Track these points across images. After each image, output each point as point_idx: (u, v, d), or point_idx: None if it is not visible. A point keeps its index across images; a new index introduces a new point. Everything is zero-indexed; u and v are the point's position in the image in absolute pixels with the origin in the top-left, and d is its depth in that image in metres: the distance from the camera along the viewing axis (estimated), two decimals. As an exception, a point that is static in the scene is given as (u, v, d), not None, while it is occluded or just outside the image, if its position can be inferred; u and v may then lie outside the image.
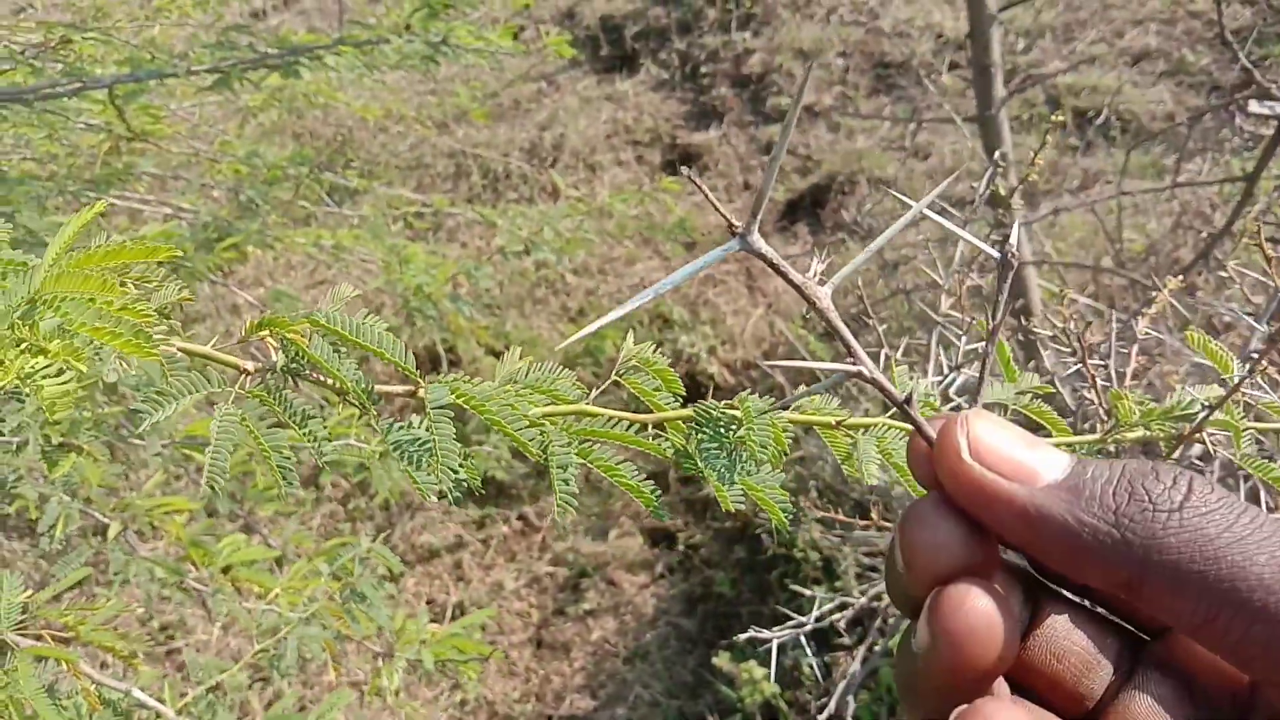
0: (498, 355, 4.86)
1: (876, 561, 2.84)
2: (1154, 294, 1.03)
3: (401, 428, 0.68)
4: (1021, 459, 0.40)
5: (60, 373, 0.55)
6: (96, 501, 1.58)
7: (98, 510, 1.58)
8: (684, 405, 0.70)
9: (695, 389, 4.30)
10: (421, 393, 0.68)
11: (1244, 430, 0.70)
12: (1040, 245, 3.45)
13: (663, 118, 5.81)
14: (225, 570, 1.60)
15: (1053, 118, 1.36)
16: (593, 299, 4.92)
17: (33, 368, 0.54)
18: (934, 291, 3.56)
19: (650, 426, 0.70)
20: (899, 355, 1.09)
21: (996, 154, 1.21)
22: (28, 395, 0.55)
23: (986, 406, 0.81)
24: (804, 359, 3.51)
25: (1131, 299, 3.11)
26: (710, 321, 4.51)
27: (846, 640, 2.32)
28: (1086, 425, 0.91)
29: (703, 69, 5.95)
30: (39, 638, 1.24)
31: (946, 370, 1.06)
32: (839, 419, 0.69)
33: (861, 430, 0.67)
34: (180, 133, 4.07)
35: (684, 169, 0.48)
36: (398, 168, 5.94)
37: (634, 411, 0.72)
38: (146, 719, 1.25)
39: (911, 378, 0.74)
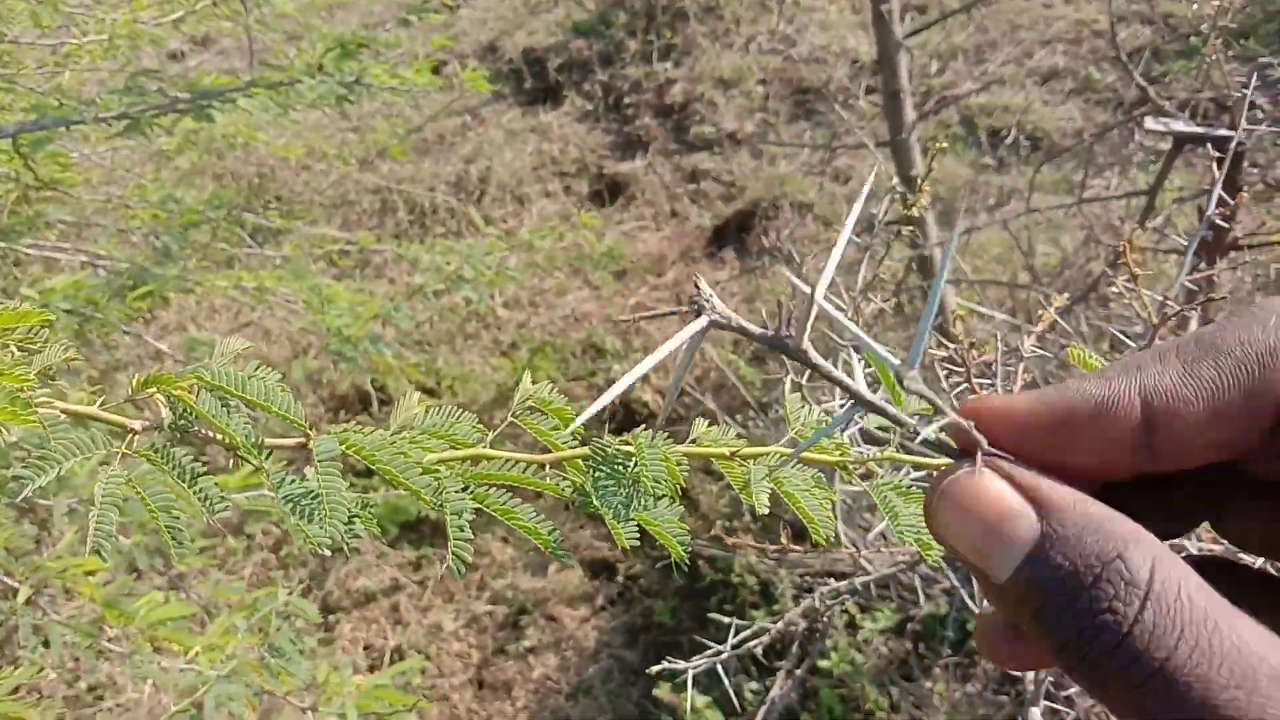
0: (429, 392, 4.82)
1: (812, 581, 2.86)
2: (1054, 309, 1.06)
3: (293, 481, 0.67)
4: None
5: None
6: (4, 565, 1.53)
7: (6, 574, 1.53)
8: (583, 445, 0.70)
9: (630, 418, 4.31)
10: (311, 444, 0.67)
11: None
12: (957, 263, 3.53)
13: (588, 148, 5.84)
14: (145, 629, 1.56)
15: (938, 144, 1.40)
16: (524, 332, 4.91)
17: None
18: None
19: (549, 466, 0.70)
20: (805, 380, 1.11)
21: (894, 180, 1.24)
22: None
23: (866, 436, 0.83)
24: (734, 382, 3.54)
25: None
26: (642, 349, 4.52)
27: (784, 664, 2.33)
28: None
29: (626, 99, 6.00)
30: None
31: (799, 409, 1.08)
32: (734, 449, 0.70)
33: (754, 460, 0.68)
34: (93, 180, 3.99)
35: (697, 280, 0.46)
36: (322, 205, 5.89)
37: (539, 451, 0.73)
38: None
39: (804, 405, 0.75)
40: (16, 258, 3.43)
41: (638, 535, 0.65)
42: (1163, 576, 0.31)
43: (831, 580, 2.69)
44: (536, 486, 0.69)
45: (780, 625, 1.24)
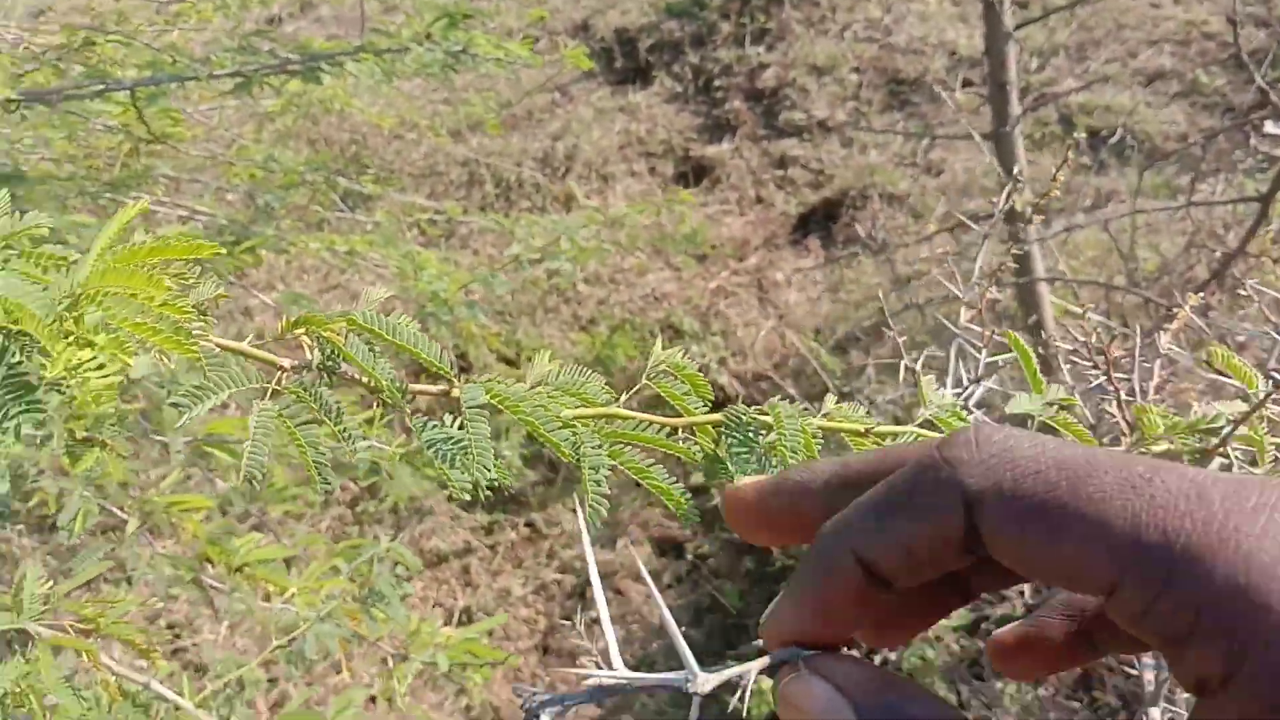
0: (509, 362, 4.88)
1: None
2: (1171, 311, 1.03)
3: (435, 426, 0.68)
4: None
5: (102, 366, 0.56)
6: (114, 497, 1.59)
7: (115, 506, 1.59)
8: (712, 411, 0.71)
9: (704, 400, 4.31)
10: (456, 392, 0.69)
11: (1268, 446, 0.70)
12: (1054, 262, 3.46)
13: (676, 130, 5.83)
14: (239, 569, 1.61)
15: (1071, 137, 1.37)
16: (604, 308, 4.94)
17: (79, 360, 0.56)
18: (951, 304, 3.56)
19: (680, 430, 0.71)
20: (919, 366, 1.10)
21: (1016, 169, 1.22)
22: (69, 387, 0.56)
23: (1013, 419, 0.82)
24: (815, 369, 3.52)
25: (1144, 317, 3.12)
26: (721, 333, 4.51)
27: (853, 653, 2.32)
28: (1107, 439, 0.92)
29: (716, 82, 5.97)
30: (60, 629, 1.25)
31: (966, 383, 1.07)
32: (868, 426, 0.70)
33: (891, 438, 0.68)
34: (197, 136, 4.10)
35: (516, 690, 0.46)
36: (411, 175, 5.97)
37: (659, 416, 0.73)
38: (164, 712, 1.26)
39: (938, 389, 0.74)
40: (119, 209, 3.54)
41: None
42: None
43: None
44: (668, 449, 0.69)
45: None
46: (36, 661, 1.18)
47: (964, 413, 0.73)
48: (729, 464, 0.67)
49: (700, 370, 0.73)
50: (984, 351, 1.02)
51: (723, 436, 0.68)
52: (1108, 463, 0.34)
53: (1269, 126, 2.53)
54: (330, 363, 0.70)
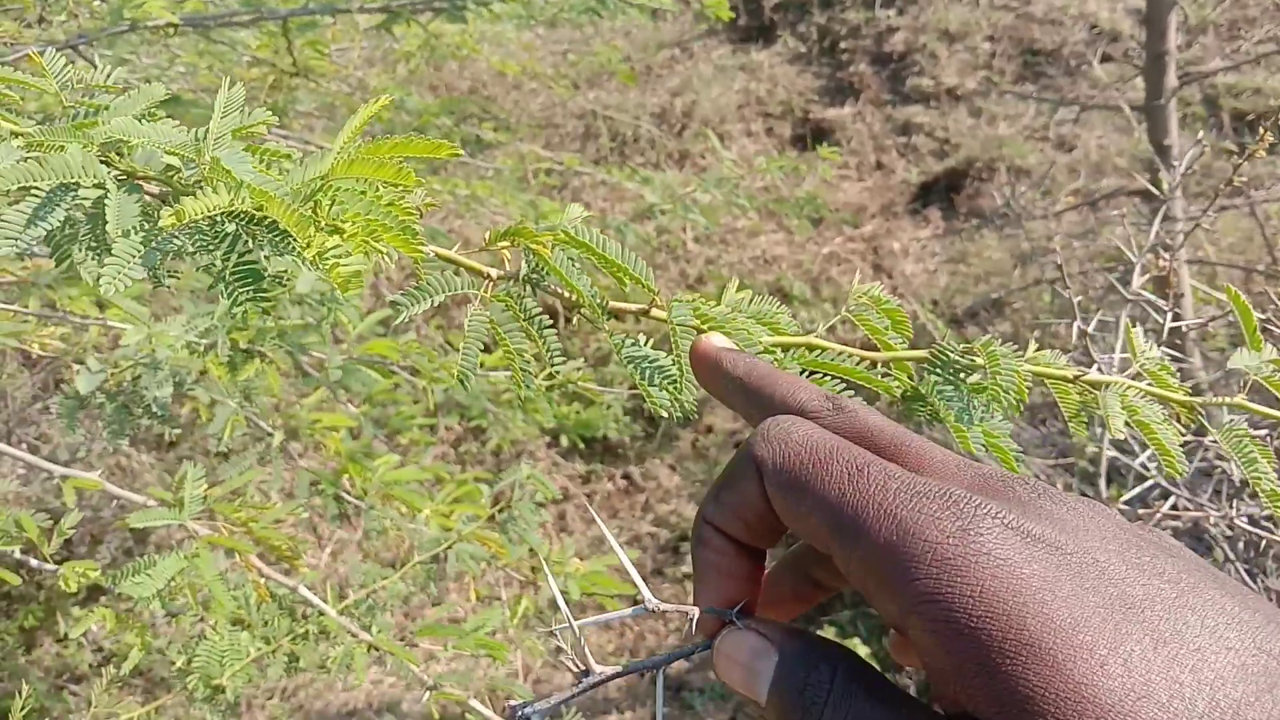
0: (615, 316, 4.89)
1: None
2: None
3: (634, 343, 0.69)
4: None
5: (348, 255, 0.58)
6: (262, 411, 1.65)
7: (263, 420, 1.65)
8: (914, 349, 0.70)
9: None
10: (658, 312, 0.69)
11: None
12: (1194, 246, 3.32)
13: (796, 91, 5.74)
14: (381, 487, 1.66)
15: (1263, 130, 1.29)
16: (712, 268, 4.92)
17: (328, 247, 0.57)
18: (1078, 280, 3.46)
19: (879, 365, 0.70)
20: (1092, 329, 1.07)
21: (1167, 144, 1.17)
22: (321, 271, 0.58)
23: (1231, 375, 0.79)
24: (931, 343, 3.45)
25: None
26: (831, 300, 4.46)
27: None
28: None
29: (842, 44, 5.85)
30: (215, 529, 1.31)
31: (1145, 344, 1.04)
32: (1076, 374, 0.68)
33: (1105, 387, 0.66)
34: (333, 74, 4.18)
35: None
36: (528, 125, 6.01)
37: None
38: (309, 616, 1.31)
39: (1149, 343, 0.72)
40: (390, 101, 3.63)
41: (980, 443, 0.64)
42: (837, 680, 0.43)
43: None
44: (868, 382, 0.69)
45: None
46: (195, 558, 1.23)
47: (1172, 368, 0.71)
48: (934, 402, 0.66)
49: (808, 334, 0.72)
50: (1168, 315, 0.99)
51: (926, 374, 0.67)
52: (847, 454, 0.44)
53: None
54: (536, 275, 0.71)
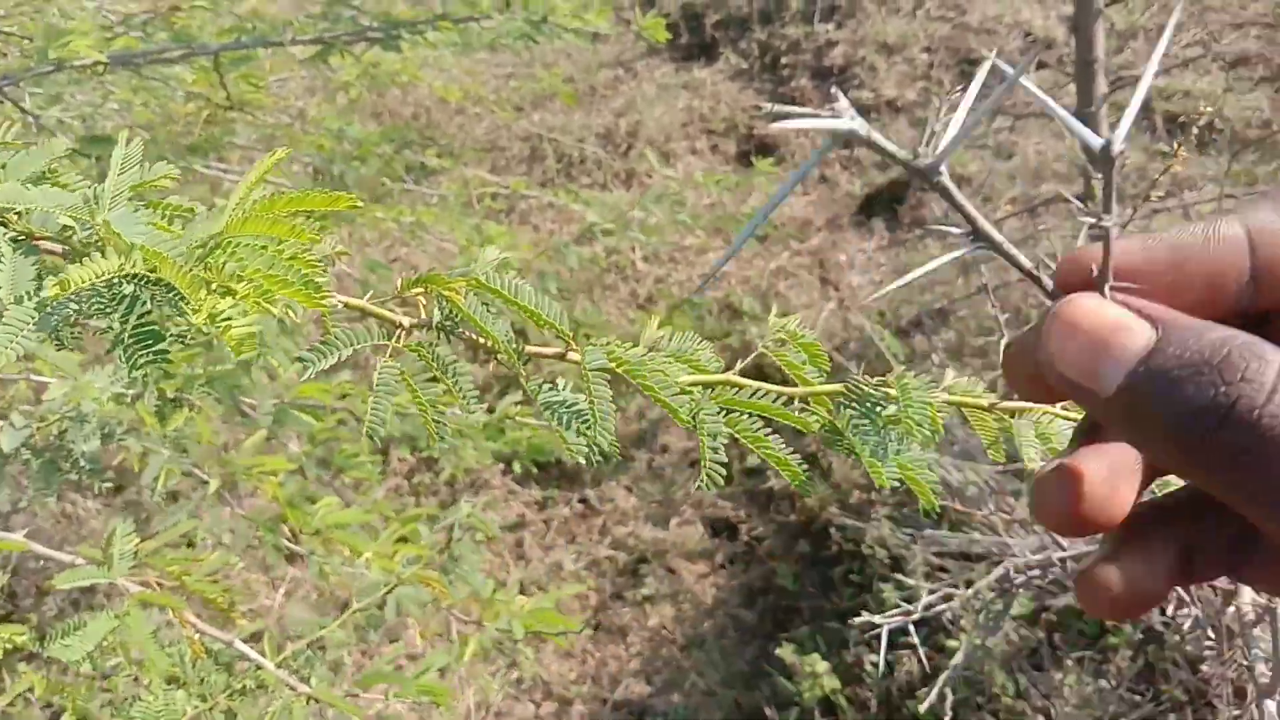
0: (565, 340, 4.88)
1: (945, 561, 2.81)
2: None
3: (551, 388, 0.68)
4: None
5: (245, 314, 0.57)
6: (197, 458, 1.62)
7: (198, 467, 1.62)
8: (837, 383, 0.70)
9: (763, 380, 4.28)
10: (573, 355, 0.68)
11: None
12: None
13: (740, 107, 5.79)
14: (316, 532, 1.63)
15: (1177, 149, 1.32)
16: (662, 286, 4.92)
17: (219, 309, 0.56)
18: (1020, 288, 3.52)
19: (796, 400, 0.70)
20: (950, 372, 1.07)
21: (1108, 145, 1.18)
22: (213, 335, 0.57)
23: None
24: (878, 353, 3.48)
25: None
26: (781, 314, 4.48)
27: (948, 632, 2.31)
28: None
29: (783, 59, 5.90)
30: (146, 585, 1.28)
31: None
32: (991, 401, 0.68)
33: (1019, 414, 0.66)
34: (268, 106, 4.14)
35: (836, 94, 0.44)
36: (473, 149, 5.99)
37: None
38: (246, 670, 1.28)
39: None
40: (190, 177, 3.60)
41: (895, 476, 0.64)
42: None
43: (968, 562, 2.64)
44: (785, 419, 0.68)
45: (968, 593, 1.22)
46: (126, 616, 1.20)
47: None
48: (849, 436, 0.66)
49: (759, 352, 0.72)
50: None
51: (842, 408, 0.67)
52: None
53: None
54: (449, 322, 0.70)
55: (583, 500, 4.22)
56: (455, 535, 1.35)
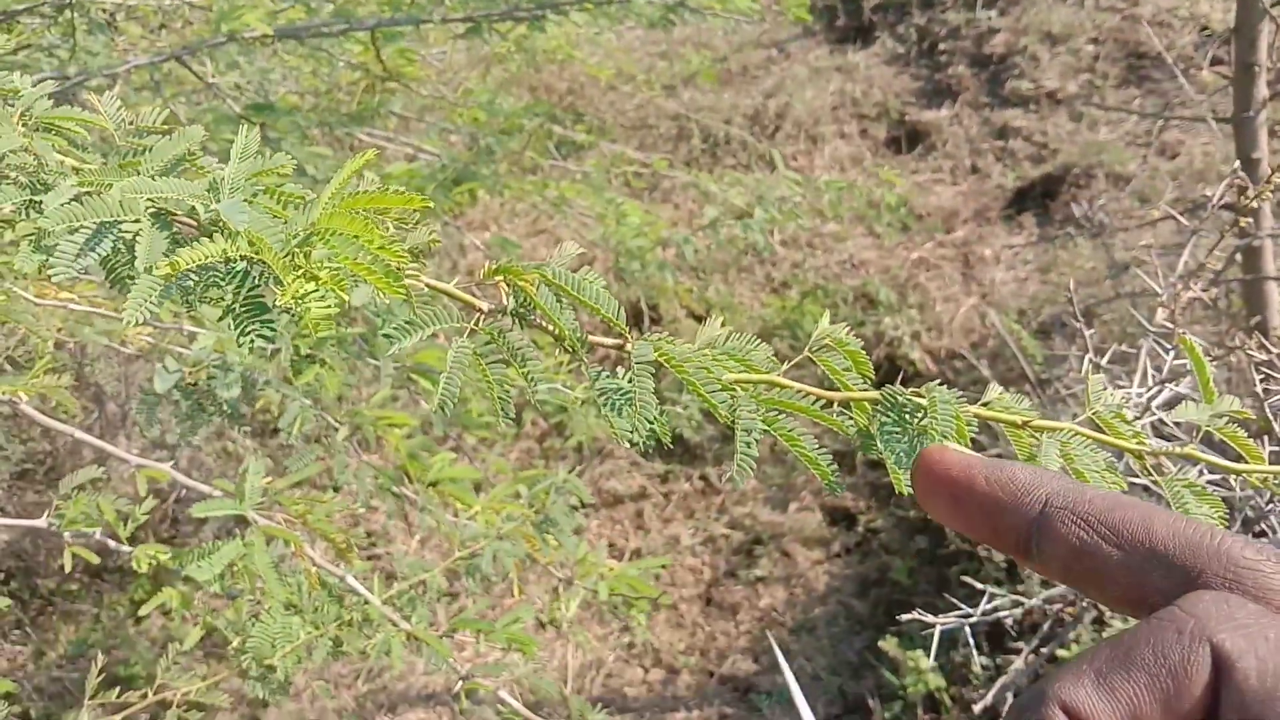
0: (698, 318, 4.94)
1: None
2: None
3: (608, 376, 0.74)
4: None
5: (324, 298, 0.65)
6: (329, 408, 1.76)
7: (330, 415, 1.76)
8: (875, 389, 0.73)
9: (894, 373, 4.24)
10: (628, 347, 0.74)
11: None
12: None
13: (893, 93, 5.68)
14: (433, 485, 1.75)
15: None
16: (798, 272, 4.91)
17: (304, 291, 0.64)
18: (1153, 300, 3.35)
19: (837, 404, 0.74)
20: (1105, 362, 1.08)
21: (1235, 164, 1.15)
22: (296, 313, 0.65)
23: (1180, 426, 0.80)
24: (1014, 353, 3.40)
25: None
26: (918, 306, 4.41)
27: (1020, 644, 2.27)
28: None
29: (941, 45, 5.76)
30: (271, 520, 1.41)
31: (1153, 384, 1.04)
32: (1025, 419, 0.71)
33: (1047, 433, 0.69)
34: (429, 77, 4.33)
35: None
36: (622, 126, 6.09)
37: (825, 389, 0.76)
38: (354, 604, 1.40)
39: (1105, 387, 0.74)
40: (352, 144, 3.81)
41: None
42: None
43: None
44: (823, 420, 0.72)
45: (1034, 602, 1.22)
46: (251, 546, 1.33)
47: (1128, 415, 0.72)
48: (879, 441, 0.69)
49: (891, 343, 0.76)
50: (1171, 353, 0.99)
51: (877, 415, 0.71)
52: None
53: None
54: (523, 309, 0.77)
55: (703, 477, 4.29)
56: (551, 499, 1.44)
